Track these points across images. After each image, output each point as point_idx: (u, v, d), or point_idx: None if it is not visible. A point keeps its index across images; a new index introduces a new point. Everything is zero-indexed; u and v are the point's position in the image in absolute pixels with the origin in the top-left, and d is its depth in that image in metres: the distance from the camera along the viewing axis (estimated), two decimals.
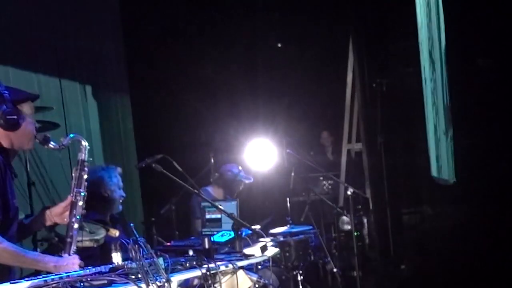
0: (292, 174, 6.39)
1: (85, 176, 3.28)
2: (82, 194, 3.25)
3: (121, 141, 6.69)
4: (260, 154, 6.20)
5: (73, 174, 3.28)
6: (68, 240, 3.16)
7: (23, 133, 3.07)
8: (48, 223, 3.29)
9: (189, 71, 7.34)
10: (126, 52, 6.82)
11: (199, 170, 5.96)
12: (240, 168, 6.00)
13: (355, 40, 7.86)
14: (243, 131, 6.81)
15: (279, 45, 8.41)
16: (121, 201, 4.43)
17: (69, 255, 3.11)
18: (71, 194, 3.24)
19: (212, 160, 5.97)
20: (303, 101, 8.09)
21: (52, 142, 3.18)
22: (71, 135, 3.27)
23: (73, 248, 3.16)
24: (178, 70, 7.25)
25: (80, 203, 3.23)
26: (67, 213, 3.23)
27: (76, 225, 3.19)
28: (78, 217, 3.21)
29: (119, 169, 4.43)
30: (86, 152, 3.30)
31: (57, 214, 3.26)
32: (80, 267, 3.04)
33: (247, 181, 5.99)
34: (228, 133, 7.11)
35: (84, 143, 3.29)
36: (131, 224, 3.41)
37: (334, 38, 7.94)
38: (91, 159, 3.35)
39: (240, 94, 7.64)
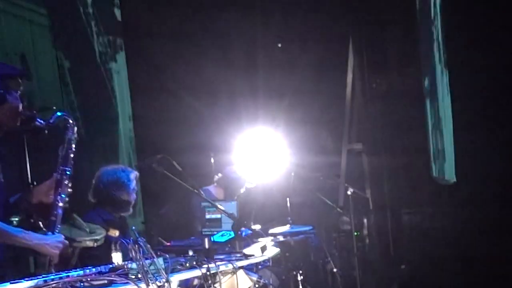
0: (292, 174, 6.39)
1: (72, 155, 3.23)
2: (68, 172, 3.20)
3: (121, 141, 6.69)
4: (260, 153, 6.20)
5: (59, 153, 3.22)
6: (53, 218, 3.11)
7: (9, 109, 3.00)
8: (34, 200, 3.23)
9: (189, 71, 7.34)
10: (127, 52, 6.81)
11: (199, 170, 5.96)
12: (243, 171, 5.96)
13: (355, 40, 7.86)
14: (243, 131, 6.80)
15: (279, 45, 8.40)
16: (133, 204, 4.45)
17: (53, 233, 3.07)
18: (56, 172, 3.20)
19: (212, 160, 5.97)
20: (303, 101, 8.09)
21: (39, 120, 3.13)
22: (59, 113, 3.21)
23: (57, 226, 3.11)
24: (178, 70, 7.25)
25: (66, 181, 3.18)
26: (52, 192, 3.18)
27: (61, 204, 3.14)
28: (63, 195, 3.16)
29: (136, 173, 4.43)
30: (74, 131, 3.26)
31: (42, 192, 3.22)
32: (64, 245, 3.00)
33: (244, 184, 5.94)
34: (228, 133, 7.10)
35: (72, 121, 3.24)
36: (133, 228, 3.39)
37: (334, 38, 7.93)
38: (77, 138, 3.29)
39: (240, 94, 7.63)
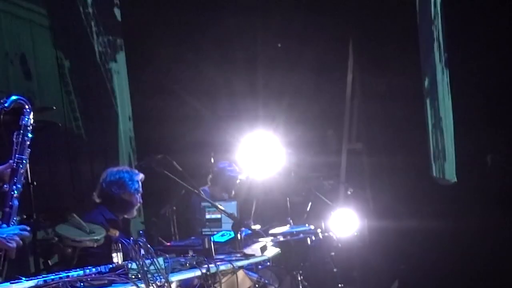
0: (292, 174, 6.39)
1: (28, 142, 3.07)
2: (25, 161, 3.05)
3: (121, 141, 6.69)
4: (260, 154, 6.20)
5: (14, 140, 3.06)
6: (7, 210, 2.94)
7: None
8: None
9: (189, 71, 7.34)
10: (127, 52, 6.82)
11: (199, 170, 5.95)
12: (230, 163, 5.93)
13: (355, 40, 7.86)
14: (243, 131, 6.80)
15: (279, 45, 8.40)
16: (137, 207, 4.43)
17: (8, 226, 2.90)
18: (12, 161, 3.03)
19: (212, 160, 5.96)
20: (303, 101, 8.09)
21: None
22: (14, 97, 3.04)
23: (13, 218, 2.94)
24: (178, 70, 7.25)
25: (22, 171, 3.03)
26: (6, 178, 3.01)
27: (16, 194, 2.98)
28: (19, 185, 3.01)
29: (141, 175, 4.41)
30: (30, 116, 3.09)
31: None
32: (21, 238, 2.85)
33: (234, 175, 5.88)
34: (228, 133, 7.10)
35: (28, 106, 3.09)
36: (141, 232, 3.36)
37: (334, 38, 7.93)
38: (33, 123, 3.12)
39: (240, 94, 7.63)
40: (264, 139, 6.28)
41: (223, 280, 3.41)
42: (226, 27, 7.55)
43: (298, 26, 7.89)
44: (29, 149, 3.06)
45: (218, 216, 4.81)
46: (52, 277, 2.65)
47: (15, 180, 2.99)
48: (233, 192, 5.83)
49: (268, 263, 4.78)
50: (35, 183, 4.83)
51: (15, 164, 3.02)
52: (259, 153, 6.18)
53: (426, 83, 6.92)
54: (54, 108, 5.26)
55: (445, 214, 6.55)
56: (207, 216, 4.91)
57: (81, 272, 2.78)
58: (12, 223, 2.91)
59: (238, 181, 5.90)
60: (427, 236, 6.79)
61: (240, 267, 3.65)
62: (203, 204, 4.94)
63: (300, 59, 7.97)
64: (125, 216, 4.37)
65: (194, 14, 7.45)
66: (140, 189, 4.38)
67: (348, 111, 8.13)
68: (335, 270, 6.07)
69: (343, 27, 7.84)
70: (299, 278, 5.40)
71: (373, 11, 7.37)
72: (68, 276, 2.68)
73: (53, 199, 5.12)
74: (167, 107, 7.15)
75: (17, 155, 3.02)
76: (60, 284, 2.60)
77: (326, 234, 6.05)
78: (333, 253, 6.23)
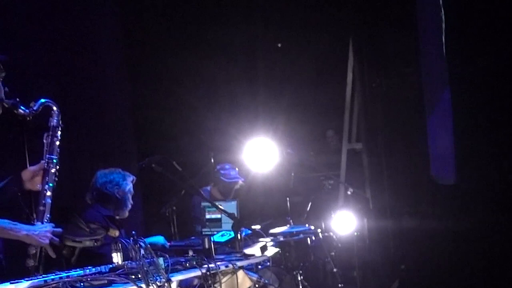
0: (292, 174, 6.39)
1: (58, 143, 3.18)
2: (55, 161, 3.17)
3: (121, 141, 6.68)
4: (260, 154, 6.20)
5: (44, 141, 3.17)
6: (41, 208, 3.07)
7: None
8: (23, 188, 3.17)
9: (189, 71, 7.34)
10: (127, 52, 6.81)
11: (199, 170, 5.96)
12: (231, 166, 5.93)
13: (355, 40, 7.86)
14: (243, 131, 6.81)
15: (279, 45, 8.41)
16: (129, 208, 4.46)
17: (42, 223, 3.02)
18: (44, 161, 3.15)
19: (212, 160, 5.96)
20: (303, 101, 8.10)
21: (22, 108, 3.07)
22: (42, 100, 3.14)
23: (46, 216, 3.07)
24: (178, 70, 7.25)
25: (53, 170, 3.15)
26: (38, 179, 3.14)
27: (49, 193, 3.10)
28: (50, 184, 3.13)
29: (133, 177, 4.44)
30: (58, 118, 3.21)
31: (26, 178, 3.16)
32: (55, 235, 2.95)
33: (228, 180, 5.89)
34: (228, 133, 7.11)
35: (56, 108, 3.20)
36: (133, 232, 3.38)
37: (334, 39, 7.94)
38: (62, 125, 3.24)
39: (240, 94, 7.64)
40: (264, 140, 6.29)
41: (223, 280, 3.41)
42: (226, 27, 7.56)
43: (298, 26, 7.89)
44: (59, 149, 3.18)
45: (218, 216, 4.82)
46: (52, 277, 2.65)
47: (47, 179, 3.13)
48: (231, 196, 5.83)
49: (268, 263, 4.78)
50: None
51: (46, 164, 3.15)
52: (259, 153, 6.19)
53: (426, 83, 6.91)
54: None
55: (445, 214, 6.55)
56: (207, 216, 4.91)
57: (81, 272, 2.78)
58: (45, 220, 3.05)
59: (236, 186, 5.89)
60: (427, 236, 6.78)
61: (240, 267, 3.65)
62: (203, 204, 4.95)
63: (300, 59, 7.98)
64: (117, 216, 4.37)
65: (194, 14, 7.46)
66: (132, 191, 4.40)
67: (348, 111, 8.13)
68: (335, 270, 6.08)
69: (343, 27, 7.84)
70: (299, 278, 5.41)
71: (373, 11, 7.37)
72: (68, 276, 2.68)
73: (53, 199, 5.12)
74: (167, 107, 7.15)
75: (47, 155, 3.15)
76: (60, 284, 2.60)
77: (326, 234, 6.06)
78: (333, 253, 6.24)
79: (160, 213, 5.41)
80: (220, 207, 4.48)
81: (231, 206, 4.74)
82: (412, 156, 7.24)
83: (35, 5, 5.31)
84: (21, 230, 2.89)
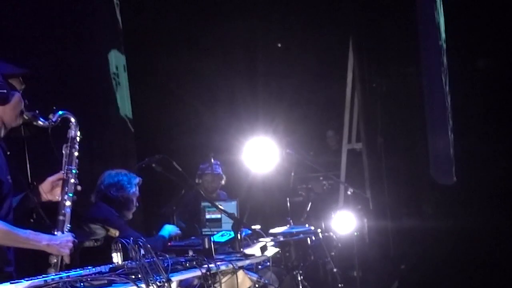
0: (292, 174, 6.39)
1: (76, 153, 3.23)
2: (74, 171, 3.21)
3: (121, 141, 6.68)
4: (260, 154, 6.20)
5: (63, 151, 3.22)
6: (61, 218, 3.11)
7: (12, 108, 2.98)
8: (41, 199, 3.22)
9: (189, 71, 7.34)
10: (126, 52, 6.81)
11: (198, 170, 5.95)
12: (212, 163, 5.89)
13: (355, 40, 7.86)
14: (243, 131, 6.81)
15: (279, 45, 8.41)
16: (133, 210, 4.47)
17: (62, 233, 3.07)
18: (63, 172, 3.19)
19: (212, 160, 5.96)
20: (303, 101, 8.10)
21: (41, 119, 3.11)
22: (60, 112, 3.19)
23: (67, 226, 3.11)
24: (178, 70, 7.25)
25: (72, 180, 3.19)
26: (58, 190, 3.18)
27: (68, 203, 3.14)
28: (70, 194, 3.17)
29: (139, 179, 4.45)
30: (77, 129, 3.26)
31: (47, 190, 3.20)
32: (74, 245, 3.00)
33: (205, 173, 5.84)
34: (228, 133, 7.11)
35: (74, 120, 3.25)
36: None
37: (334, 38, 7.94)
38: (80, 136, 3.29)
39: (240, 94, 7.64)
40: (264, 139, 6.29)
41: (223, 280, 3.41)
42: (226, 27, 7.56)
43: (298, 26, 7.89)
44: (77, 160, 3.23)
45: (218, 216, 4.81)
46: (52, 277, 2.65)
47: (66, 190, 3.17)
48: (214, 190, 5.81)
49: (268, 263, 4.78)
50: (35, 183, 4.83)
51: (65, 175, 3.18)
52: (259, 153, 6.18)
53: (426, 83, 6.91)
54: (55, 108, 5.25)
55: (445, 214, 6.56)
56: (207, 216, 4.91)
57: (81, 272, 2.77)
58: (65, 230, 3.09)
59: (218, 179, 5.84)
60: (427, 236, 6.79)
61: (240, 267, 3.64)
62: (203, 204, 4.95)
63: (300, 59, 7.98)
64: (123, 217, 4.39)
65: (194, 14, 7.46)
66: (137, 193, 4.42)
67: (348, 111, 8.13)
68: (335, 270, 6.07)
69: (343, 26, 7.85)
70: (299, 278, 5.40)
71: (373, 11, 7.38)
72: (68, 276, 2.68)
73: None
74: (167, 107, 7.15)
75: (66, 166, 3.19)
76: (60, 284, 2.59)
77: (326, 234, 6.06)
78: (333, 253, 6.24)
79: (160, 213, 5.41)
80: (220, 207, 4.48)
81: (231, 206, 4.74)
82: (412, 156, 7.25)
83: (35, 5, 5.30)
84: (42, 240, 2.93)
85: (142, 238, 4.38)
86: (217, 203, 4.64)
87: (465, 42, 6.12)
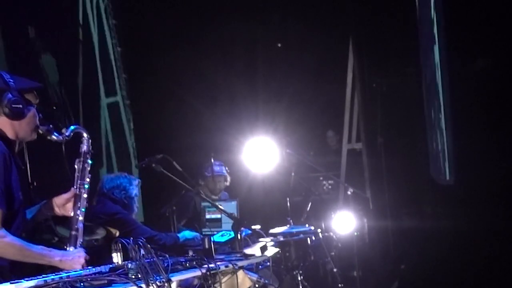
0: (292, 174, 6.39)
1: (88, 168, 3.25)
2: (86, 186, 3.23)
3: (121, 141, 6.69)
4: (260, 154, 6.20)
5: (76, 166, 3.24)
6: (73, 233, 3.13)
7: (27, 123, 3.03)
8: (54, 213, 3.24)
9: (189, 71, 7.34)
10: (126, 52, 6.82)
11: (199, 170, 5.95)
12: (219, 163, 5.89)
13: (355, 40, 7.86)
14: (243, 131, 6.81)
15: (279, 45, 8.41)
16: (135, 212, 4.51)
17: (75, 248, 3.09)
18: (75, 187, 3.21)
19: (212, 160, 5.96)
20: (303, 101, 8.10)
21: (55, 134, 3.13)
22: (73, 127, 3.21)
23: (79, 241, 3.13)
24: (178, 70, 7.25)
25: (85, 195, 3.21)
26: (70, 204, 3.20)
27: (81, 218, 3.16)
28: (83, 209, 3.19)
29: (138, 180, 4.49)
30: (89, 144, 3.28)
31: (59, 205, 3.22)
32: (86, 261, 3.02)
33: (215, 174, 5.84)
34: (228, 133, 7.11)
35: (86, 135, 3.27)
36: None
37: (334, 38, 7.94)
38: (92, 151, 3.32)
39: (240, 94, 7.64)
40: (264, 140, 6.29)
41: (223, 280, 3.41)
42: (226, 27, 7.56)
43: (298, 26, 7.89)
44: (90, 174, 3.24)
45: (218, 216, 4.82)
46: (52, 277, 2.65)
47: (79, 205, 3.18)
48: (219, 191, 5.81)
49: (268, 263, 4.78)
50: (35, 183, 4.84)
51: (77, 190, 3.20)
52: (259, 153, 6.18)
53: (426, 83, 6.91)
54: (55, 108, 5.26)
55: (445, 214, 6.55)
56: (207, 216, 4.92)
57: (81, 272, 2.78)
58: (78, 245, 3.11)
59: (223, 180, 5.85)
60: (427, 236, 6.79)
61: (240, 267, 3.64)
62: (203, 204, 4.95)
63: (300, 59, 7.98)
64: None
65: (194, 14, 7.46)
66: (138, 194, 4.46)
67: (348, 111, 8.13)
68: (335, 270, 6.08)
69: (343, 27, 7.84)
70: (299, 278, 5.41)
71: (373, 11, 7.38)
72: (68, 276, 2.68)
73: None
74: (167, 107, 7.15)
75: (79, 181, 3.21)
76: (60, 284, 2.59)
77: (326, 234, 6.06)
78: (333, 253, 6.24)
79: (160, 213, 5.41)
80: (220, 207, 4.49)
81: (231, 206, 4.75)
82: (412, 156, 7.24)
83: (35, 4, 5.31)
84: (55, 256, 2.96)
85: (153, 232, 4.43)
86: (217, 203, 4.64)
87: (465, 41, 6.11)
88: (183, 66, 7.26)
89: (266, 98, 7.82)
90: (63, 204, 3.22)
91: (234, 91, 7.65)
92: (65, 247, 3.11)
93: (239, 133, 6.71)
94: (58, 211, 3.24)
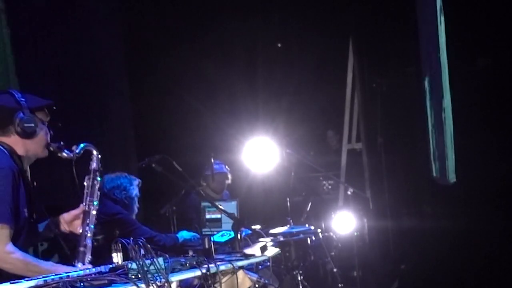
0: (292, 174, 6.39)
1: (98, 185, 3.27)
2: (95, 203, 3.24)
3: (121, 141, 6.68)
4: (260, 154, 6.20)
5: (85, 183, 3.27)
6: (82, 249, 3.14)
7: (39, 141, 3.08)
8: (61, 230, 3.27)
9: (189, 71, 7.34)
10: (126, 52, 6.81)
11: (199, 170, 5.96)
12: (219, 162, 5.90)
13: (355, 40, 7.86)
14: (243, 131, 6.81)
15: (279, 45, 8.41)
16: (136, 212, 4.51)
17: (83, 264, 3.10)
18: (84, 203, 3.23)
19: (212, 160, 5.96)
20: (303, 101, 8.10)
21: (66, 151, 3.17)
22: (82, 145, 3.24)
23: (88, 257, 3.15)
24: (178, 70, 7.25)
25: (94, 212, 3.23)
26: (78, 221, 3.22)
27: (89, 234, 3.17)
28: (91, 226, 3.20)
29: (139, 180, 4.49)
30: (98, 161, 3.30)
31: (67, 221, 3.25)
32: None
33: (216, 172, 5.85)
34: (228, 133, 7.11)
35: (96, 152, 3.29)
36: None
37: (334, 38, 7.94)
38: (101, 168, 3.35)
39: (240, 94, 7.64)
40: (264, 140, 6.29)
41: (223, 280, 3.41)
42: (226, 27, 7.56)
43: (298, 26, 7.89)
44: (99, 192, 3.26)
45: (218, 216, 4.82)
46: (52, 277, 2.65)
47: (87, 221, 3.19)
48: (222, 190, 5.82)
49: (268, 263, 4.78)
50: (35, 183, 4.83)
51: (87, 207, 3.21)
52: (259, 153, 6.19)
53: (426, 83, 6.91)
54: (55, 108, 5.25)
55: (445, 214, 6.55)
56: (207, 216, 4.91)
57: (81, 272, 2.78)
58: (87, 261, 3.12)
59: (226, 179, 5.87)
60: (427, 236, 6.79)
61: (240, 267, 3.64)
62: (203, 204, 4.95)
63: (300, 59, 7.98)
64: None
65: (194, 14, 7.46)
66: (138, 194, 4.45)
67: (348, 111, 8.13)
68: (335, 270, 6.08)
69: (343, 27, 7.85)
70: (299, 278, 5.41)
71: (373, 11, 7.38)
72: (68, 276, 2.68)
73: (53, 199, 5.12)
74: (167, 107, 7.15)
75: (88, 198, 3.22)
76: (60, 284, 2.59)
77: (326, 234, 6.06)
78: (333, 253, 6.24)
79: (160, 213, 5.42)
80: (220, 207, 4.48)
81: (231, 206, 4.74)
82: (412, 156, 7.24)
83: (34, 4, 5.31)
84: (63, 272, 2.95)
85: (153, 233, 4.44)
86: (217, 203, 4.64)
87: (465, 42, 6.11)
88: (183, 66, 7.26)
89: (266, 98, 7.82)
90: (71, 221, 3.24)
91: (234, 91, 7.65)
92: (73, 263, 3.12)
93: (239, 133, 6.71)
94: (66, 228, 3.25)
